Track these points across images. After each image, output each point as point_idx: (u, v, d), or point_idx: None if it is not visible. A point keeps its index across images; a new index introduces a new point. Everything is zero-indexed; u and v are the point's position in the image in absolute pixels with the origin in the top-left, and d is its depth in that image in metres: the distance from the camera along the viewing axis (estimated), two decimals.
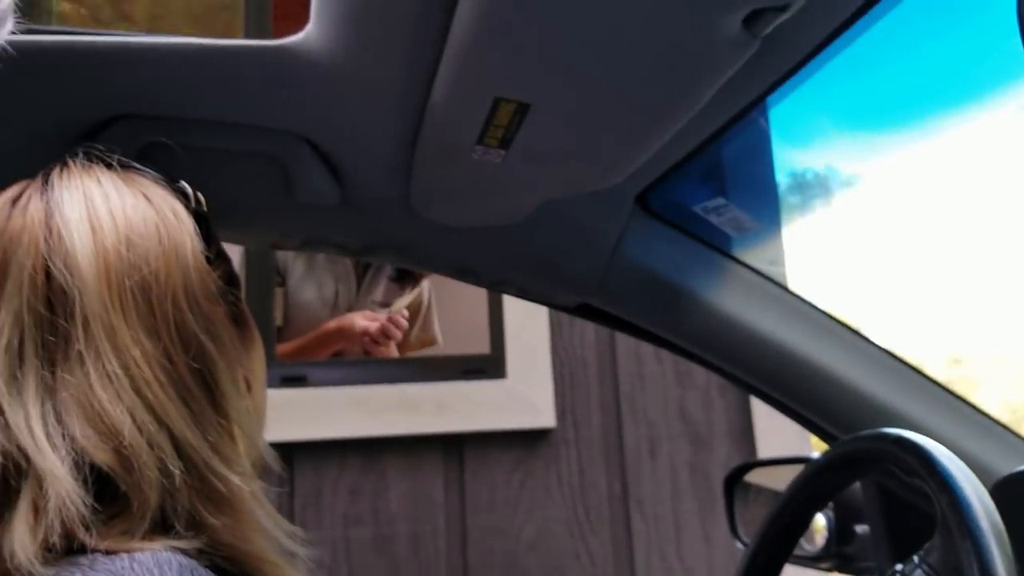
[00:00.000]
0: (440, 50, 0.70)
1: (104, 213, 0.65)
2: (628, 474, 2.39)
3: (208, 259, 0.69)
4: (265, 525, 0.63)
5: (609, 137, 0.80)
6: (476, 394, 2.36)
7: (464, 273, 1.05)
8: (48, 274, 0.61)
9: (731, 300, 1.03)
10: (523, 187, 0.90)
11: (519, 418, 2.37)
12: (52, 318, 0.60)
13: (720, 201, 0.98)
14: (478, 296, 2.49)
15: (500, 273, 1.04)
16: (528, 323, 2.42)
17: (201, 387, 0.63)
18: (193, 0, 2.70)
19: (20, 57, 0.82)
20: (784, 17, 0.58)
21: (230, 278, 0.74)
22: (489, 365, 2.40)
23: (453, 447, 2.35)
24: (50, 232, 0.62)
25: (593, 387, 2.43)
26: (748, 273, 1.05)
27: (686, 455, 2.41)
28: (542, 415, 2.37)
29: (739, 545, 1.32)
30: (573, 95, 0.71)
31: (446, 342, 2.56)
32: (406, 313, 2.26)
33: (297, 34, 0.78)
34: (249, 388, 0.74)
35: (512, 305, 2.42)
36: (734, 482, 1.38)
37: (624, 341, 2.46)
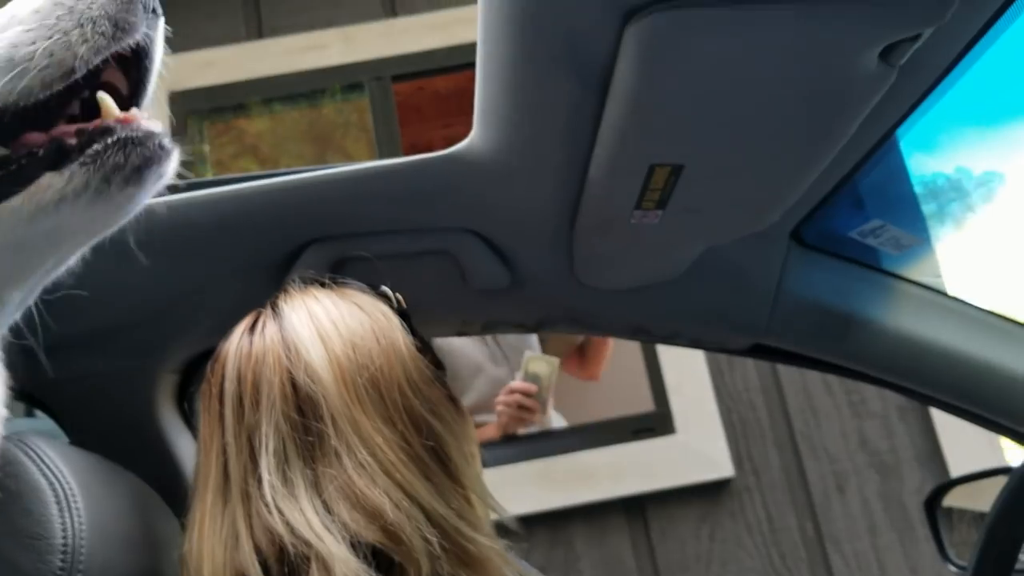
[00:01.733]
0: (595, 131, 0.76)
1: (328, 325, 0.76)
2: (818, 513, 2.33)
3: (418, 348, 0.79)
4: None
5: (760, 183, 0.84)
6: (650, 453, 2.37)
7: (637, 332, 1.10)
8: (294, 385, 0.72)
9: (903, 317, 1.04)
10: (682, 242, 0.95)
11: (697, 472, 2.36)
12: (305, 422, 0.71)
13: (877, 223, 1.00)
14: (632, 353, 2.52)
15: (671, 327, 1.09)
16: (688, 374, 2.43)
17: (436, 463, 0.72)
18: (309, 123, 2.89)
19: (221, 205, 0.94)
20: (918, 44, 0.62)
21: (438, 363, 0.83)
22: (657, 422, 2.41)
23: (635, 509, 2.35)
24: (288, 349, 0.74)
25: (766, 429, 2.40)
26: (915, 288, 1.06)
27: (875, 486, 2.34)
28: (719, 466, 2.36)
29: (952, 569, 1.29)
30: (724, 150, 0.76)
31: (608, 404, 2.58)
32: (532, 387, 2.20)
33: (462, 142, 0.87)
34: (473, 460, 0.81)
35: (668, 357, 2.43)
36: (934, 505, 1.35)
37: (789, 376, 2.42)
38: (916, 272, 1.08)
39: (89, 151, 0.58)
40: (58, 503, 0.70)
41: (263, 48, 2.75)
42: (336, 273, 0.96)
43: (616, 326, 1.11)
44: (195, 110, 2.75)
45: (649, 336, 1.10)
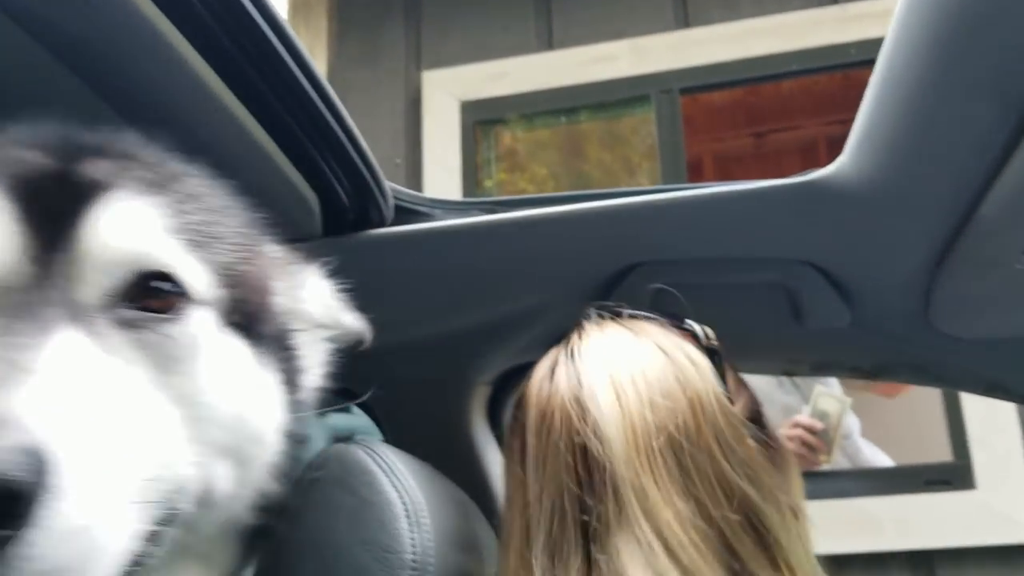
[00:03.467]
0: (1002, 165, 0.67)
1: (625, 377, 0.68)
2: None
3: (729, 398, 0.69)
4: None
5: None
6: (943, 507, 2.17)
7: (994, 389, 0.98)
8: (584, 447, 0.65)
9: None
10: None
11: (995, 533, 2.13)
12: (586, 491, 0.64)
13: None
14: (931, 398, 2.31)
15: None
16: (996, 426, 2.20)
17: (749, 534, 0.62)
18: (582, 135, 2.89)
19: (544, 227, 0.92)
20: None
21: (753, 406, 0.74)
22: (954, 475, 2.20)
23: (922, 565, 2.16)
24: (580, 405, 0.67)
25: None
26: None
27: None
28: (1022, 528, 2.12)
29: None
30: None
31: (900, 449, 2.38)
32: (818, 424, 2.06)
33: (826, 168, 0.80)
34: (796, 515, 0.71)
35: (972, 403, 2.21)
36: None
37: None
38: None
39: None
40: (408, 517, 0.69)
41: (555, 59, 2.78)
42: (657, 299, 0.92)
43: (968, 380, 0.99)
44: (484, 119, 2.82)
45: (1007, 394, 0.98)
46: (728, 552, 0.61)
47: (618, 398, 0.67)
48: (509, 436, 0.75)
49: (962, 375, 0.99)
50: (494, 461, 1.10)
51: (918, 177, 0.73)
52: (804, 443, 2.04)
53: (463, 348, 1.06)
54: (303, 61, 0.78)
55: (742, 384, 0.77)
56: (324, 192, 0.90)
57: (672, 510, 0.61)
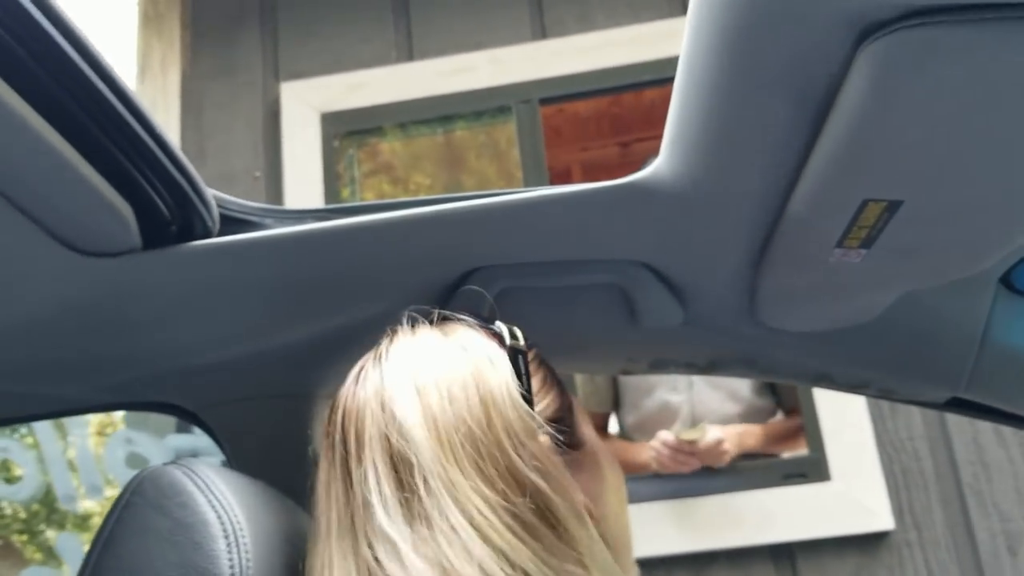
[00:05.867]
0: (803, 162, 0.69)
1: (427, 376, 0.70)
2: (987, 574, 2.15)
3: (525, 396, 0.71)
4: None
5: (984, 225, 0.74)
6: (802, 500, 2.25)
7: (820, 379, 1.01)
8: (390, 443, 0.67)
9: None
10: (882, 284, 0.86)
11: (853, 522, 2.22)
12: (401, 481, 0.65)
13: None
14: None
15: (859, 376, 0.99)
16: (847, 418, 2.29)
17: (545, 526, 0.64)
18: (446, 145, 2.89)
19: (384, 231, 0.90)
20: None
21: (560, 406, 0.76)
22: (810, 468, 2.28)
23: (784, 557, 2.23)
24: (383, 408, 0.69)
25: (931, 481, 2.24)
26: None
27: None
28: (878, 517, 2.21)
29: None
30: (953, 187, 0.67)
31: None
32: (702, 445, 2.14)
33: (645, 170, 0.81)
34: (593, 516, 0.73)
35: (825, 400, 2.30)
36: None
37: (958, 425, 2.25)
38: None
39: None
40: (226, 537, 0.67)
41: (415, 69, 2.76)
42: (501, 303, 0.92)
43: (796, 372, 1.02)
44: (344, 132, 2.78)
45: (832, 384, 1.01)
46: (536, 535, 0.62)
47: (419, 395, 0.68)
48: (324, 439, 0.75)
49: (790, 368, 1.01)
50: None
51: (727, 176, 0.75)
52: (677, 453, 2.10)
53: (302, 362, 1.03)
54: (102, 69, 0.74)
55: (553, 385, 0.79)
56: (139, 203, 0.86)
57: (481, 497, 0.62)
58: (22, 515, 2.84)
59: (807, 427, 2.31)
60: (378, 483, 0.66)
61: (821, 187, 0.69)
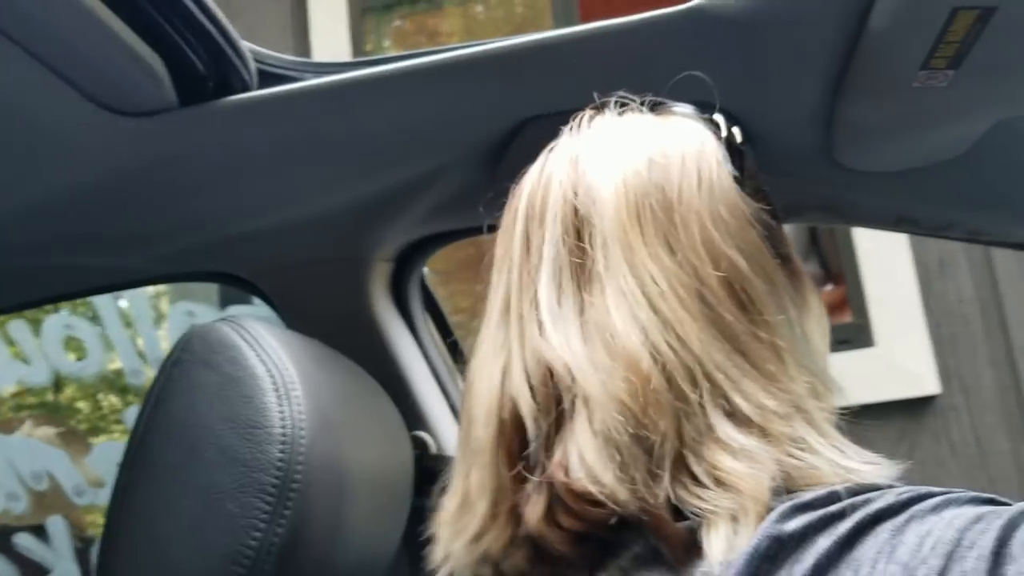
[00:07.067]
0: None
1: (626, 138, 0.65)
2: None
3: (738, 179, 0.65)
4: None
5: None
6: (844, 366, 2.21)
7: (902, 223, 0.96)
8: (575, 206, 0.62)
9: None
10: (971, 112, 0.80)
11: (897, 387, 2.19)
12: (580, 244, 0.61)
13: None
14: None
15: (945, 216, 0.94)
16: (894, 283, 2.24)
17: (735, 305, 0.58)
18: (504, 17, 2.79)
19: (437, 75, 0.85)
20: None
21: (776, 214, 0.69)
22: (853, 334, 2.24)
23: None
24: (575, 166, 0.64)
25: (980, 345, 2.20)
26: None
27: None
28: (923, 381, 2.18)
29: None
30: None
31: None
32: None
33: None
34: (803, 325, 0.67)
35: (871, 265, 2.24)
36: None
37: (1011, 285, 2.20)
38: None
39: None
40: (276, 391, 0.66)
41: None
42: None
43: (878, 216, 0.96)
44: (372, 7, 2.70)
45: (915, 227, 0.96)
46: (713, 312, 0.58)
47: (615, 155, 0.64)
48: (506, 213, 0.69)
49: (871, 211, 0.96)
50: (401, 343, 1.06)
51: None
52: None
53: (353, 223, 1.00)
54: None
55: (766, 195, 0.70)
56: (172, 57, 0.81)
57: (658, 264, 0.58)
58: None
59: (850, 294, 2.27)
60: (555, 246, 0.62)
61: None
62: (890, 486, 0.52)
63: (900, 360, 2.21)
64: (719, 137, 0.67)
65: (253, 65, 0.90)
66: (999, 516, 0.45)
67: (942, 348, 2.21)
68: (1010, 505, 0.47)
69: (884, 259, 2.22)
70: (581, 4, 2.62)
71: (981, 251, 2.20)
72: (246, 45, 0.89)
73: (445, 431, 1.07)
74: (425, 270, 1.15)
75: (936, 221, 0.94)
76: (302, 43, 2.68)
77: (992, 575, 0.42)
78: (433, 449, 1.05)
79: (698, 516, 0.52)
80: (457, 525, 0.60)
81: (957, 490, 0.49)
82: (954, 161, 0.86)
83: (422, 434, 1.05)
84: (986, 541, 0.43)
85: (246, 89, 0.88)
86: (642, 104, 0.70)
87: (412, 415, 1.05)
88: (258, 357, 0.68)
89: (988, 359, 2.19)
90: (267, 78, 0.90)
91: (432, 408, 1.08)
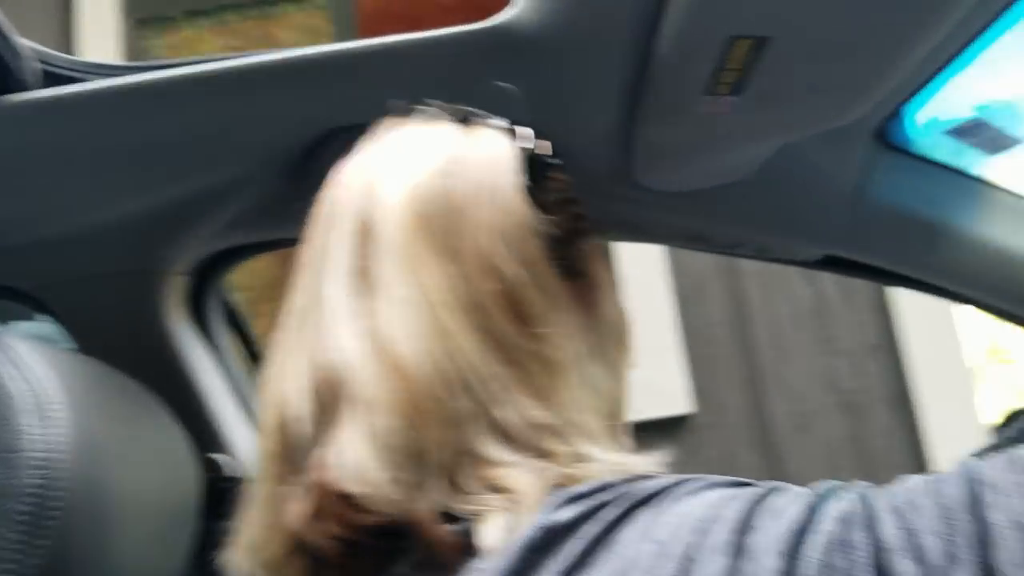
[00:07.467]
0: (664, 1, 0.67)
1: (420, 146, 0.65)
2: (780, 453, 2.31)
3: (528, 189, 0.64)
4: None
5: (854, 65, 0.76)
6: None
7: (696, 240, 1.02)
8: (364, 213, 0.62)
9: (996, 227, 0.96)
10: (755, 135, 0.87)
11: (654, 407, 2.30)
12: (365, 252, 0.60)
13: (975, 119, 0.93)
14: None
15: (734, 235, 1.00)
16: (648, 305, 2.35)
17: (509, 313, 0.59)
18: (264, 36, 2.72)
19: (233, 81, 0.82)
20: None
21: (574, 229, 0.68)
22: None
23: None
24: (367, 174, 0.64)
25: (730, 366, 2.36)
26: (1010, 197, 0.98)
27: (841, 427, 2.30)
28: (678, 401, 2.32)
29: None
30: (821, 20, 0.67)
31: None
32: None
33: (506, 12, 0.77)
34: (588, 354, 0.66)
35: (626, 288, 2.35)
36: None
37: (757, 309, 2.38)
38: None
39: None
40: (37, 412, 0.60)
41: None
42: None
43: (673, 234, 1.02)
44: (147, 18, 2.55)
45: (708, 245, 1.02)
46: (487, 321, 0.58)
47: (405, 162, 0.63)
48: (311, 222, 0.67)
49: (667, 230, 1.02)
50: (198, 361, 1.00)
51: (593, 16, 0.72)
52: None
53: (144, 234, 0.93)
54: None
55: (569, 204, 0.70)
56: None
57: (440, 273, 0.58)
58: None
59: None
60: (345, 252, 0.61)
61: (685, 23, 0.68)
62: (660, 474, 0.54)
63: (657, 381, 2.32)
64: (521, 149, 0.67)
65: (33, 63, 0.83)
66: (749, 494, 0.49)
67: (696, 369, 2.35)
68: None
69: (642, 284, 2.35)
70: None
71: (733, 277, 2.37)
72: (28, 44, 0.82)
73: (248, 452, 1.02)
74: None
75: (727, 239, 1.01)
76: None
77: (737, 544, 0.45)
78: (228, 471, 0.99)
79: (470, 519, 0.52)
80: (244, 539, 0.59)
81: (720, 477, 0.53)
82: (743, 182, 0.93)
83: (216, 456, 0.99)
84: (733, 514, 0.47)
85: (23, 88, 0.81)
86: (449, 115, 0.70)
87: (208, 437, 1.00)
88: (19, 375, 0.62)
89: (737, 379, 2.36)
90: (54, 80, 0.83)
91: (232, 429, 1.03)
